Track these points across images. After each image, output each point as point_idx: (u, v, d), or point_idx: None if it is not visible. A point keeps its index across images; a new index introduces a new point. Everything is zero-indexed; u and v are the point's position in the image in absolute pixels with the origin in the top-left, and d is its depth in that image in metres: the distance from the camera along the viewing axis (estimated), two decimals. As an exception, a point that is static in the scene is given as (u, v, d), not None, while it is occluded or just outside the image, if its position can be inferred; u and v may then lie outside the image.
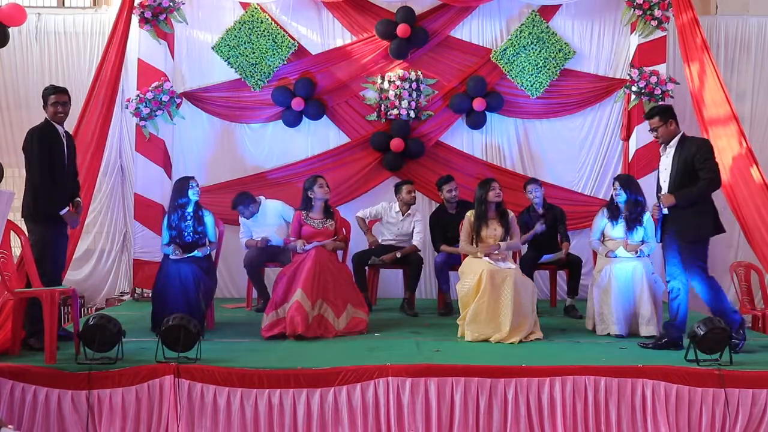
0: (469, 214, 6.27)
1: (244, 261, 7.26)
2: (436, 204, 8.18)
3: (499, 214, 6.22)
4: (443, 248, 7.20)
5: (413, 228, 7.36)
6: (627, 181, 6.42)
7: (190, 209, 6.23)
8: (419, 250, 7.31)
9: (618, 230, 6.34)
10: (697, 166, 5.44)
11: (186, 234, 6.18)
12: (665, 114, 5.60)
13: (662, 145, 5.66)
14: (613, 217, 6.36)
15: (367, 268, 7.25)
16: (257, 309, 7.09)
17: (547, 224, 7.14)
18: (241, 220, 7.40)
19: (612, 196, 6.46)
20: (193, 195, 6.23)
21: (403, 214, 7.38)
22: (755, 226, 6.73)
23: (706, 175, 5.44)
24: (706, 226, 5.53)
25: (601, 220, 6.46)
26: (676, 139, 5.57)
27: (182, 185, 6.29)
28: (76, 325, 5.25)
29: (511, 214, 6.31)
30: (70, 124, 6.59)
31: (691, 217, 5.48)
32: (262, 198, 7.41)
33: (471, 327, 5.80)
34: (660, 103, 7.92)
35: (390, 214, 7.42)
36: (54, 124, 5.57)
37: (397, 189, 7.49)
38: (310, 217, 6.44)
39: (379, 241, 7.46)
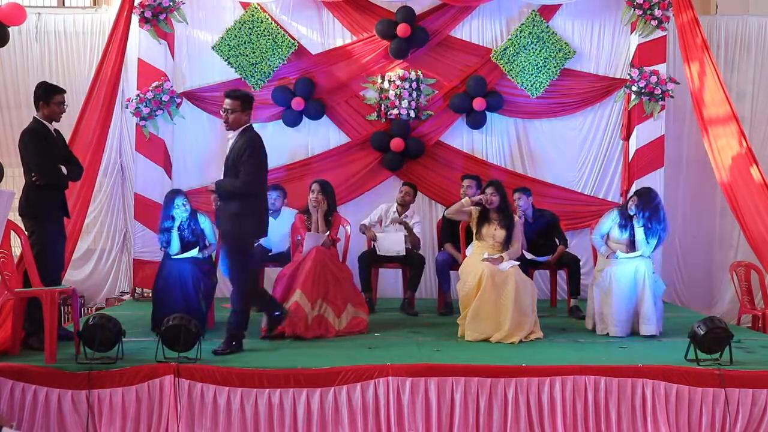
0: (474, 208, 6.28)
1: None
2: (436, 204, 8.21)
3: (504, 217, 6.18)
4: (447, 247, 7.20)
5: (412, 222, 7.35)
6: (645, 203, 6.13)
7: (183, 225, 6.20)
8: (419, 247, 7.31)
9: (624, 236, 6.23)
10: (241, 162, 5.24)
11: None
12: (247, 102, 5.36)
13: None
14: (623, 225, 6.20)
15: (372, 269, 7.23)
16: (257, 309, 7.06)
17: (538, 231, 7.20)
18: None
19: (628, 205, 6.25)
20: (180, 214, 6.19)
21: (399, 215, 7.36)
22: (755, 226, 6.73)
23: (243, 176, 5.21)
24: (243, 229, 5.31)
25: (609, 224, 6.30)
26: (241, 128, 5.35)
27: (167, 203, 6.24)
28: (76, 325, 5.25)
29: (517, 221, 6.27)
30: (69, 124, 6.62)
31: (232, 216, 5.30)
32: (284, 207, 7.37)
33: (471, 327, 5.79)
34: (661, 102, 7.94)
35: (388, 216, 7.41)
36: (44, 122, 5.54)
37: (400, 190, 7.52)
38: (310, 220, 6.45)
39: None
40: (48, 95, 5.54)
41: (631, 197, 6.34)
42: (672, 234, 8.37)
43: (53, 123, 5.62)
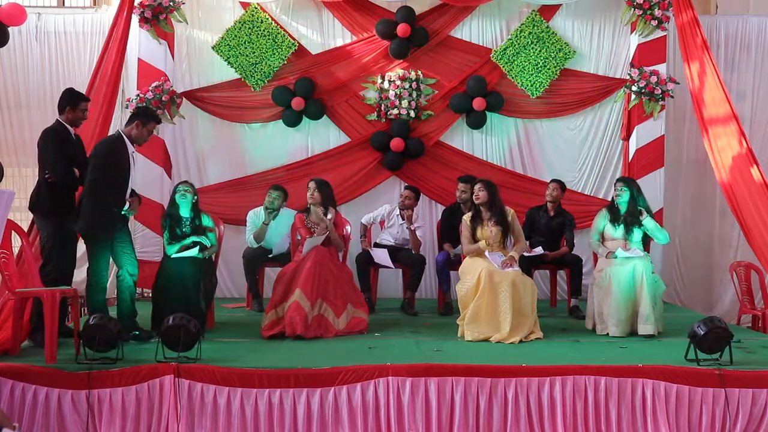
0: (466, 218, 6.26)
1: (244, 253, 7.24)
2: (436, 204, 8.21)
3: (496, 213, 6.19)
4: (446, 246, 7.20)
5: (415, 226, 7.34)
6: (629, 181, 6.51)
7: (184, 215, 6.21)
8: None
9: (618, 231, 6.31)
10: None
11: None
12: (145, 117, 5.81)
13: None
14: (614, 219, 6.35)
15: (371, 269, 7.23)
16: (257, 309, 7.07)
17: (551, 226, 7.29)
18: (250, 216, 7.36)
19: (613, 198, 6.46)
20: (180, 199, 6.19)
21: (403, 219, 7.36)
22: (755, 226, 6.71)
23: None
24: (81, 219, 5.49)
25: (602, 221, 6.43)
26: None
27: (172, 192, 6.36)
28: (76, 325, 5.25)
29: (512, 213, 6.26)
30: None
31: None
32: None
33: (471, 327, 5.79)
34: (661, 102, 7.95)
35: (391, 218, 7.42)
36: (67, 126, 5.69)
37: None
38: (310, 219, 6.44)
39: (378, 240, 7.46)
40: (75, 102, 5.71)
41: (615, 186, 6.55)
42: (672, 234, 8.39)
43: (73, 128, 5.76)
